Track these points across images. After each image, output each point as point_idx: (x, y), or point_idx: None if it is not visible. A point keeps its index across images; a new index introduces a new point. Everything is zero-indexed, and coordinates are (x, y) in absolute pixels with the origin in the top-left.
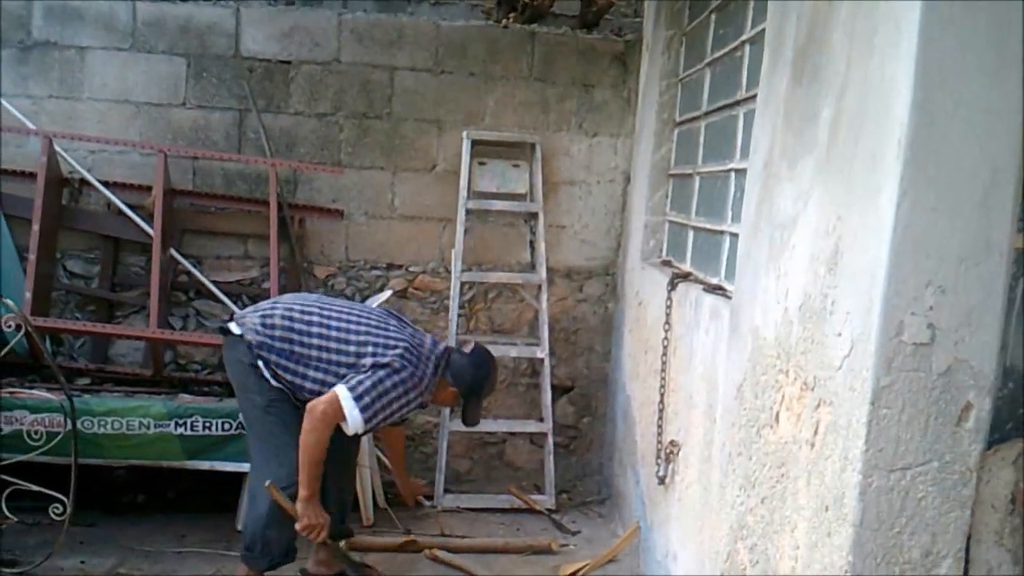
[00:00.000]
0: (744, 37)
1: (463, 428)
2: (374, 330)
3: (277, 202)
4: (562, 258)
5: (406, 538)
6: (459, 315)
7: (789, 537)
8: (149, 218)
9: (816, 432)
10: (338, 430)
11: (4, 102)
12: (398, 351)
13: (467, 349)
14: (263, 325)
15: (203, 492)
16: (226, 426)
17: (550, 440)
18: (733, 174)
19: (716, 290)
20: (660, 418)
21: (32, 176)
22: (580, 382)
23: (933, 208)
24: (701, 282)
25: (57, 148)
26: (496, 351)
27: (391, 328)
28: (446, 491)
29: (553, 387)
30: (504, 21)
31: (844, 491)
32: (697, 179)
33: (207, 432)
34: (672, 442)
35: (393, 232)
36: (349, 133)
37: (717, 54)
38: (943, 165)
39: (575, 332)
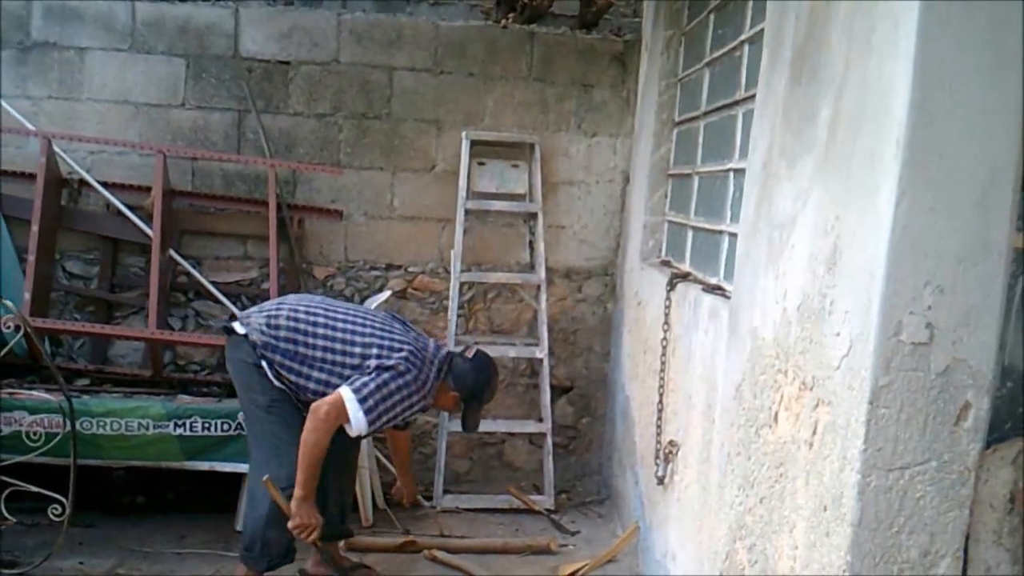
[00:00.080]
0: (743, 37)
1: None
2: (379, 332)
3: (276, 203)
4: (561, 258)
5: (405, 539)
6: (458, 315)
7: (788, 537)
8: (148, 219)
9: (815, 432)
10: (339, 431)
11: (4, 103)
12: (403, 354)
13: (469, 354)
14: (268, 325)
15: (202, 493)
16: (225, 427)
17: (549, 440)
18: (732, 174)
19: (715, 290)
20: (659, 418)
21: (31, 177)
22: (579, 382)
23: (932, 208)
24: (700, 282)
25: (56, 149)
26: (495, 351)
27: (395, 331)
28: (445, 491)
29: (552, 387)
30: (503, 21)
31: (842, 491)
32: (696, 179)
33: (206, 433)
34: (671, 442)
35: (392, 232)
36: (348, 133)
37: (716, 54)
38: (942, 165)
39: (574, 332)
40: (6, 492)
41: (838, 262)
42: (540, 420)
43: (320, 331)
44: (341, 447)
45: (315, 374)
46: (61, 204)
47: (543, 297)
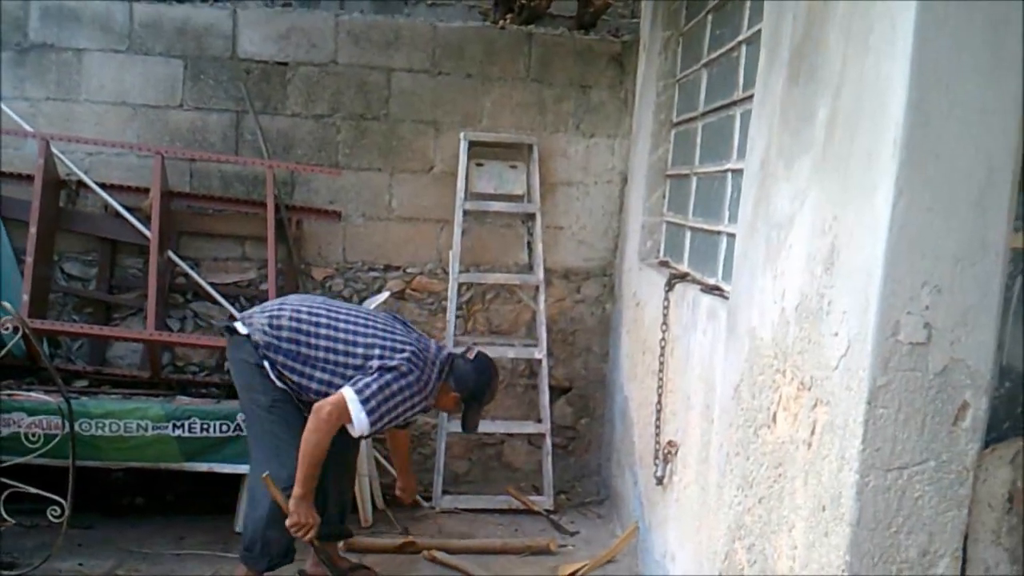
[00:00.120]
0: (740, 37)
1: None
2: (381, 333)
3: (274, 204)
4: (560, 259)
5: (404, 539)
6: (457, 316)
7: (787, 537)
8: (146, 220)
9: (813, 432)
10: (340, 431)
11: (2, 105)
12: (405, 355)
13: (470, 355)
14: (270, 326)
15: (201, 494)
16: (224, 428)
17: (548, 441)
18: (730, 174)
19: (713, 290)
20: (658, 419)
21: (29, 179)
22: (578, 383)
23: (929, 207)
24: (698, 282)
25: (54, 150)
26: (494, 352)
27: (397, 332)
28: (444, 492)
29: (551, 388)
30: (501, 22)
31: (841, 491)
32: (694, 179)
33: (205, 434)
34: (670, 443)
35: (391, 233)
36: (346, 134)
37: (714, 55)
38: (939, 164)
39: (573, 333)
40: (5, 494)
41: (836, 262)
42: (539, 421)
43: (322, 331)
44: (341, 448)
45: (317, 374)
46: (59, 206)
47: (542, 298)
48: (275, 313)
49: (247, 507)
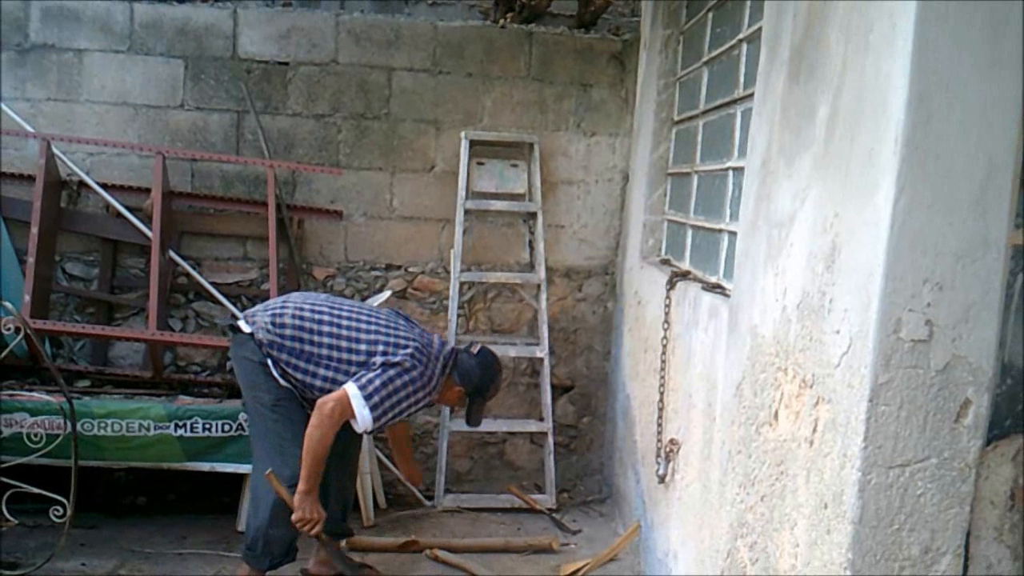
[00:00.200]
0: (741, 36)
1: (463, 428)
2: (384, 329)
3: (276, 203)
4: (561, 258)
5: (406, 538)
6: (458, 315)
7: (789, 535)
8: (148, 220)
9: (815, 430)
10: (342, 429)
11: (3, 105)
12: (408, 351)
13: (474, 350)
14: (273, 324)
15: (203, 494)
16: (226, 427)
17: (550, 439)
18: (731, 172)
19: (715, 288)
20: (660, 417)
21: (31, 179)
22: (580, 381)
23: (930, 205)
24: (700, 281)
25: (55, 151)
26: (496, 351)
27: (400, 328)
28: (447, 491)
29: (553, 386)
30: (501, 21)
31: (843, 488)
32: (695, 178)
33: (207, 434)
34: (672, 441)
35: (392, 233)
36: (347, 134)
37: (714, 53)
38: (940, 162)
39: (574, 331)
40: (7, 494)
41: (837, 260)
42: (541, 419)
43: (325, 329)
44: (343, 445)
45: (321, 372)
46: (60, 206)
47: (543, 296)
48: (278, 311)
49: (249, 506)
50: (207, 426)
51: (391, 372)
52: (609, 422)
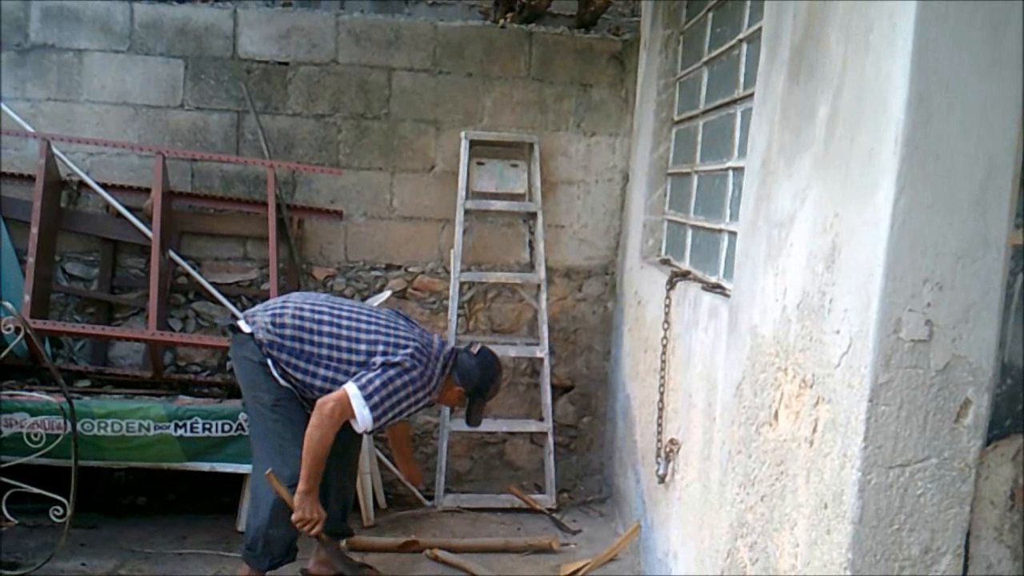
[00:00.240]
0: (741, 36)
1: (463, 428)
2: (384, 329)
3: (276, 203)
4: (561, 258)
5: (407, 538)
6: (458, 315)
7: (789, 535)
8: (148, 220)
9: (815, 430)
10: (342, 429)
11: (3, 105)
12: (408, 351)
13: (474, 350)
14: (273, 324)
15: (203, 494)
16: (226, 427)
17: (550, 439)
18: (731, 172)
19: (715, 288)
20: (660, 417)
21: (31, 179)
22: (580, 381)
23: (930, 205)
24: (700, 281)
25: (55, 151)
26: (496, 351)
27: (401, 328)
28: (447, 491)
29: (553, 386)
30: (501, 21)
31: (843, 488)
32: (695, 178)
33: (207, 434)
34: (672, 441)
35: (392, 233)
36: (347, 134)
37: (714, 53)
38: (940, 162)
39: (574, 331)
40: (7, 494)
41: (837, 260)
42: (541, 419)
43: (325, 329)
44: (343, 446)
45: (321, 372)
46: (60, 206)
47: (543, 296)
48: (278, 311)
49: (249, 506)
50: (207, 426)
51: (391, 372)
52: (609, 422)
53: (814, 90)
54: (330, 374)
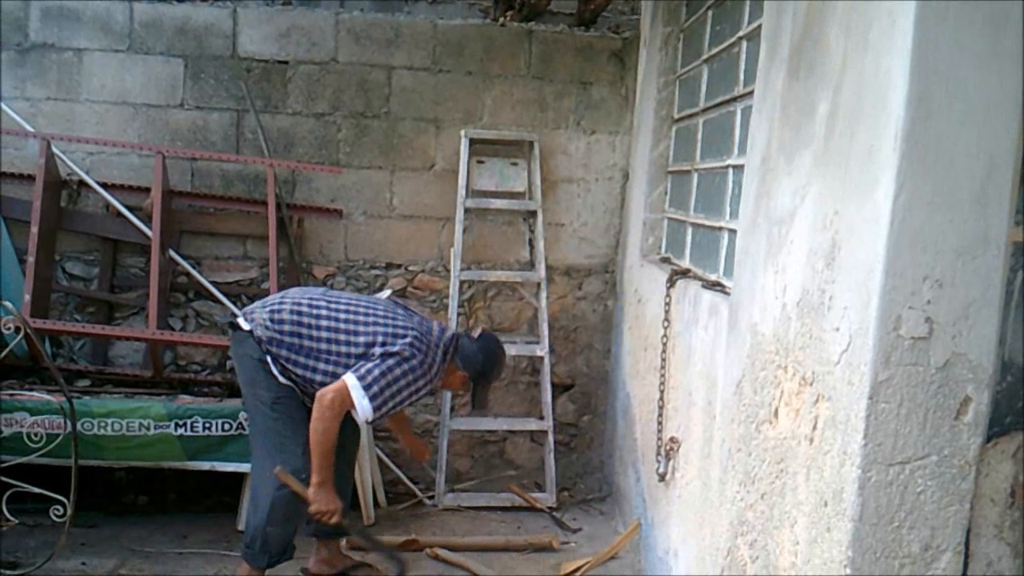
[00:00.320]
0: (741, 33)
1: (464, 427)
2: (382, 320)
3: (276, 202)
4: (561, 256)
5: (407, 537)
6: (459, 314)
7: (789, 532)
8: (148, 219)
9: (815, 427)
10: (343, 424)
11: (3, 105)
12: (407, 340)
13: (475, 334)
14: (272, 320)
15: (204, 493)
16: (226, 426)
17: (551, 438)
18: (731, 170)
19: (715, 286)
20: (660, 415)
21: (31, 179)
22: (580, 380)
23: (930, 202)
24: (700, 279)
25: (55, 150)
26: None
27: (399, 317)
28: (447, 490)
29: (553, 385)
30: (501, 19)
31: (843, 486)
32: (695, 175)
33: (207, 433)
34: (672, 439)
35: (392, 231)
36: (347, 133)
37: (714, 50)
38: (940, 158)
39: (575, 330)
40: (8, 493)
41: (837, 257)
42: (541, 418)
43: (323, 323)
44: (341, 443)
45: (321, 366)
46: (60, 205)
47: (543, 295)
48: (276, 307)
49: (248, 504)
50: (207, 425)
51: (390, 362)
52: (609, 420)
53: (814, 87)
54: (330, 368)
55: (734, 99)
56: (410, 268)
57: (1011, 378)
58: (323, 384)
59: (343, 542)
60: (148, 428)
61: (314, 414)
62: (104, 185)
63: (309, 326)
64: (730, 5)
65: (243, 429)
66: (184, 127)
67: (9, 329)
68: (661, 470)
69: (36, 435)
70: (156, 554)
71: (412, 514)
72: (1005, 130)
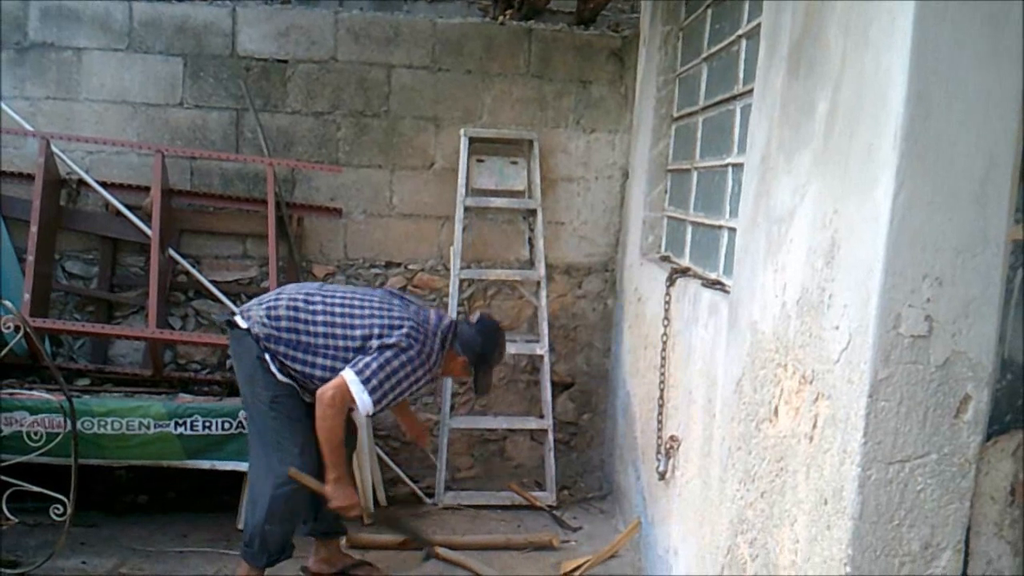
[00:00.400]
0: (740, 32)
1: (464, 425)
2: (378, 312)
3: (275, 201)
4: (561, 255)
5: (406, 536)
6: (458, 312)
7: (789, 531)
8: (147, 218)
9: (815, 425)
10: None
11: (2, 104)
12: (403, 331)
13: (473, 319)
14: (268, 317)
15: (204, 492)
16: (226, 425)
17: (551, 436)
18: (731, 169)
19: (715, 285)
20: (660, 413)
21: (30, 178)
22: (580, 378)
23: (930, 200)
24: (700, 277)
25: (55, 149)
26: None
27: (395, 308)
28: (447, 488)
29: (553, 383)
30: (500, 18)
31: (843, 484)
32: (695, 174)
33: (207, 431)
34: (672, 437)
35: (392, 230)
36: (347, 132)
37: (713, 49)
38: (939, 157)
39: (574, 328)
40: (8, 492)
41: (836, 255)
42: (541, 416)
43: (319, 318)
44: None
45: (319, 361)
46: (60, 204)
47: (543, 293)
48: (272, 304)
49: (247, 503)
50: (207, 424)
51: (388, 354)
52: (609, 419)
53: (813, 86)
54: (328, 363)
55: (734, 97)
56: (410, 267)
57: (1011, 376)
58: (323, 379)
59: (342, 541)
60: (148, 427)
61: (317, 412)
62: (104, 184)
63: (306, 321)
64: (729, 4)
65: (243, 428)
66: (183, 126)
67: (9, 328)
68: (661, 468)
69: (36, 434)
70: (156, 553)
71: (412, 513)
72: (1005, 129)
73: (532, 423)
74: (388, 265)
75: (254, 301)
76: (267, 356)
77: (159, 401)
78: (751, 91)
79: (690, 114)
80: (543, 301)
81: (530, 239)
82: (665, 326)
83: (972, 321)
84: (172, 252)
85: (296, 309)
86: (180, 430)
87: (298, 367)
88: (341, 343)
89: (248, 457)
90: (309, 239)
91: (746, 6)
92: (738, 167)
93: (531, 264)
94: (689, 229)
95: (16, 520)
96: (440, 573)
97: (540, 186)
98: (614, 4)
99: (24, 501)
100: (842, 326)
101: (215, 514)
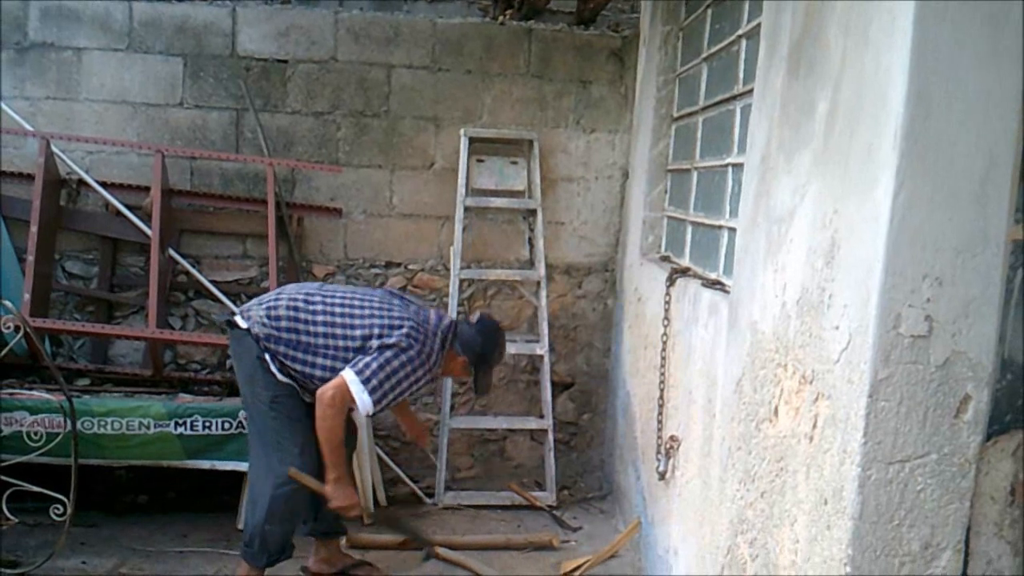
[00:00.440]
0: (740, 32)
1: (464, 425)
2: (378, 312)
3: (275, 201)
4: (561, 255)
5: (407, 536)
6: (458, 312)
7: (789, 531)
8: (147, 218)
9: (815, 425)
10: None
11: (2, 104)
12: (403, 331)
13: (473, 319)
14: (268, 317)
15: (204, 492)
16: (226, 425)
17: (550, 436)
18: (731, 168)
19: (715, 285)
20: (660, 413)
21: (30, 178)
22: (580, 378)
23: (929, 200)
24: (700, 277)
25: (55, 149)
26: None
27: (394, 308)
28: (447, 488)
29: (553, 383)
30: (500, 18)
31: (843, 484)
32: (695, 174)
33: (207, 431)
34: (672, 437)
35: (392, 230)
36: (347, 132)
37: (713, 49)
38: (939, 156)
39: (574, 328)
40: (8, 492)
41: (836, 255)
42: (541, 416)
43: (319, 318)
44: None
45: (319, 361)
46: (60, 204)
47: (543, 293)
48: (272, 304)
49: (247, 503)
50: (207, 424)
51: (387, 354)
52: (609, 419)
53: (813, 85)
54: (328, 363)
55: (734, 97)
56: (410, 267)
57: (1011, 376)
58: (323, 379)
59: (342, 541)
60: (148, 427)
61: (317, 413)
62: (104, 184)
63: (306, 321)
64: (729, 3)
65: (243, 428)
66: (183, 126)
67: (9, 328)
68: (661, 468)
69: (36, 434)
70: (156, 553)
71: (412, 513)
72: (1004, 128)
73: (532, 423)
74: (388, 265)
75: (254, 301)
76: (267, 356)
77: (159, 401)
78: (751, 91)
79: (690, 114)
80: (543, 301)
81: (530, 239)
82: (665, 326)
83: (972, 321)
84: (172, 252)
85: (296, 309)
86: (180, 430)
87: (298, 367)
88: (341, 343)
89: (248, 457)
90: (309, 239)
91: (746, 6)
92: (738, 167)
93: (531, 264)
94: (689, 229)
95: (16, 520)
96: (440, 573)
97: (540, 186)
98: (614, 4)
99: (24, 501)
100: (842, 326)
101: (215, 514)
